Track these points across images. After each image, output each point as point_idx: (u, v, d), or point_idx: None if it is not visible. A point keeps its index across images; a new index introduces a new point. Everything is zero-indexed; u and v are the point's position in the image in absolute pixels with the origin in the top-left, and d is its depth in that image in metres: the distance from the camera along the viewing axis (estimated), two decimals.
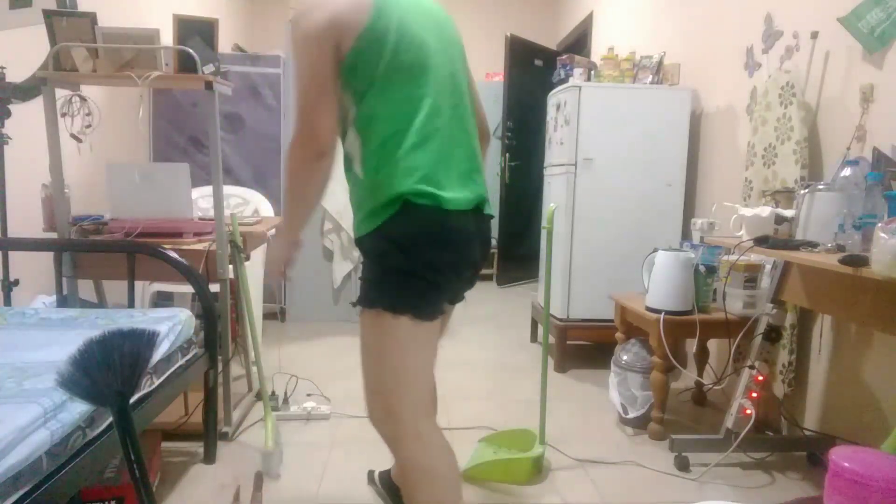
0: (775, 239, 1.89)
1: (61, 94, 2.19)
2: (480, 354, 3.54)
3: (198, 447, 2.16)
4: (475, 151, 1.38)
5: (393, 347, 1.28)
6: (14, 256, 2.32)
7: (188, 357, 1.98)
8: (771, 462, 2.21)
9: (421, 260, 1.24)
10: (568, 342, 3.23)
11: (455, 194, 1.26)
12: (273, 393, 2.58)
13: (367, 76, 1.24)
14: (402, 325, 1.26)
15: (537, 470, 2.09)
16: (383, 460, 2.18)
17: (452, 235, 1.26)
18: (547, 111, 3.63)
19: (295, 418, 2.50)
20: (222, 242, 2.24)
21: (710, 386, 2.71)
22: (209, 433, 2.12)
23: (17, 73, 2.44)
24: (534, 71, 5.62)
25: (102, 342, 0.99)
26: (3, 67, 2.27)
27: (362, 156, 1.28)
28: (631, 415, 2.50)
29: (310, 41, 1.24)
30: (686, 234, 3.13)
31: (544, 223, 1.79)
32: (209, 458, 2.12)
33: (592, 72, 3.39)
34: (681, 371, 2.49)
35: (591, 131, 3.15)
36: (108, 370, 0.97)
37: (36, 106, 2.35)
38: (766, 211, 2.09)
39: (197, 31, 2.21)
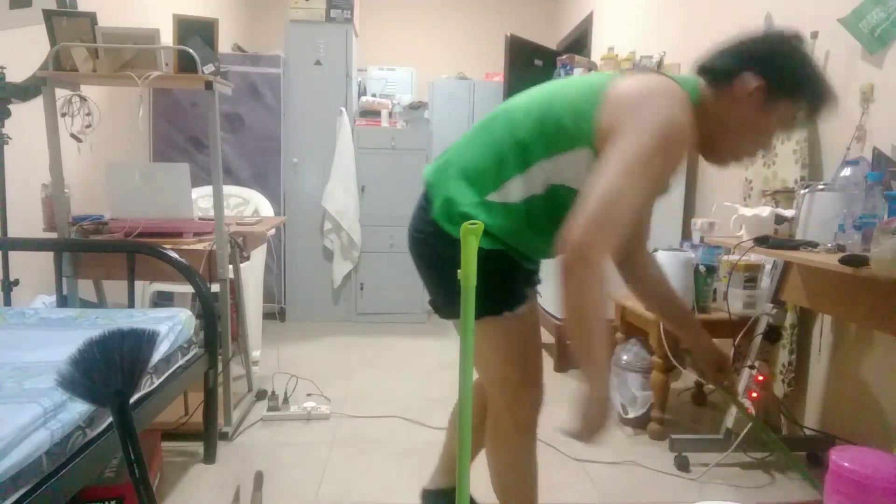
0: (775, 239, 1.89)
1: (61, 94, 2.19)
2: None
3: (198, 447, 2.16)
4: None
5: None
6: (14, 256, 2.32)
7: (188, 357, 1.98)
8: (771, 462, 2.21)
9: None
10: (568, 342, 3.22)
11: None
12: (273, 393, 2.58)
13: None
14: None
15: None
16: (383, 460, 2.18)
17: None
18: None
19: (295, 418, 2.50)
20: (222, 242, 2.24)
21: (713, 387, 2.71)
22: (209, 433, 2.12)
23: (17, 73, 2.44)
24: (534, 71, 5.61)
25: (102, 342, 0.99)
26: (3, 67, 2.27)
27: (530, 197, 1.24)
28: (631, 415, 2.49)
29: (670, 149, 1.07)
30: (686, 234, 3.12)
31: None
32: (209, 458, 2.12)
33: (592, 72, 3.39)
34: (681, 371, 2.49)
35: None
36: (108, 370, 0.97)
37: (36, 106, 2.34)
38: (766, 211, 2.09)
39: (197, 31, 2.21)
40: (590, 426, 1.11)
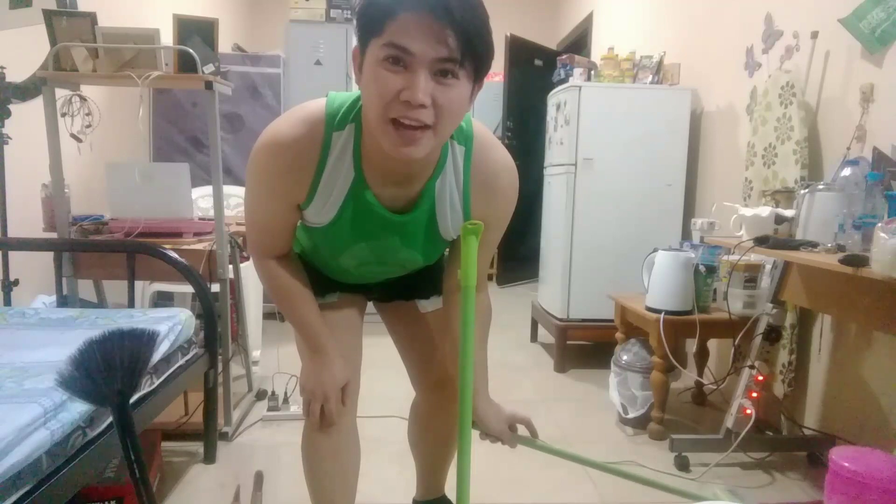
0: (775, 239, 1.89)
1: (61, 94, 2.19)
2: None
3: (198, 447, 2.16)
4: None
5: None
6: (14, 256, 2.32)
7: (188, 357, 1.98)
8: (771, 462, 2.21)
9: None
10: (568, 342, 3.23)
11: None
12: (273, 393, 2.58)
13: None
14: None
15: None
16: (383, 460, 2.18)
17: None
18: (547, 111, 3.63)
19: (295, 418, 2.50)
20: (222, 242, 2.24)
21: (713, 387, 2.71)
22: (209, 433, 2.12)
23: (17, 73, 2.44)
24: (534, 71, 5.62)
25: (102, 342, 0.99)
26: (3, 67, 2.27)
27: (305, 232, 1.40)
28: (631, 415, 2.49)
29: (256, 171, 1.32)
30: (686, 234, 3.12)
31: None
32: (209, 458, 2.12)
33: (592, 72, 3.39)
34: (681, 371, 2.49)
35: (591, 131, 3.15)
36: (108, 370, 0.96)
37: (36, 106, 2.34)
38: (766, 211, 2.09)
39: (197, 31, 2.21)
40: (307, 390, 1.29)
